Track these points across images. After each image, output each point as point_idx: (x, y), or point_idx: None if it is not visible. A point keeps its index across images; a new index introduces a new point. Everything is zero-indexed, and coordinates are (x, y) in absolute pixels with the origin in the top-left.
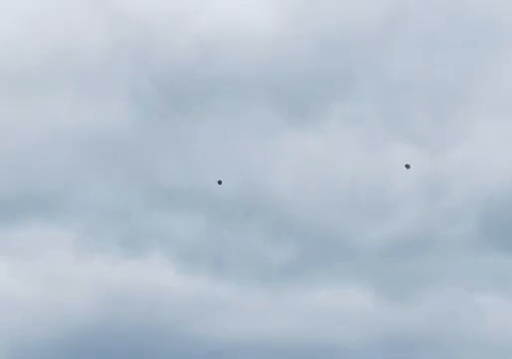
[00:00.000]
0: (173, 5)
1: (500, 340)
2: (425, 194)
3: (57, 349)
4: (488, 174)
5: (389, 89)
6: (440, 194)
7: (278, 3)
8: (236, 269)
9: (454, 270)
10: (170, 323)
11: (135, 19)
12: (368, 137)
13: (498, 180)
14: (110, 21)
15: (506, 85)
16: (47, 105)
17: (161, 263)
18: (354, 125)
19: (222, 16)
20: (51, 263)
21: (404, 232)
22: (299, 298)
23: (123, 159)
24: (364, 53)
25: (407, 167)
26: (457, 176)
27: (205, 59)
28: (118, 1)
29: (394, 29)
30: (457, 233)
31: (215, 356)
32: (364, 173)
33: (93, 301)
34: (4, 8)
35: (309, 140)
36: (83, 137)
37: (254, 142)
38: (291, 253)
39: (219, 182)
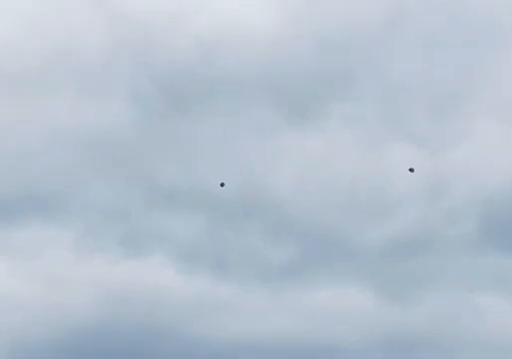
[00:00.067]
0: (173, 5)
1: (500, 340)
2: (425, 194)
3: (57, 349)
4: (488, 174)
5: (389, 89)
6: (440, 194)
7: (278, 3)
8: (236, 269)
9: (454, 270)
10: (170, 323)
11: (135, 19)
12: (368, 137)
13: (498, 180)
14: (110, 21)
15: (506, 85)
16: (47, 105)
17: (161, 263)
18: (354, 125)
19: (222, 16)
20: (51, 263)
21: (404, 232)
22: (299, 298)
23: (123, 159)
24: (364, 53)
25: (411, 170)
26: (457, 176)
27: (205, 59)
28: (118, 1)
29: (394, 29)
30: (457, 233)
31: (215, 356)
32: (364, 173)
33: (93, 301)
34: (4, 8)
35: (309, 140)
36: (83, 137)
37: (254, 142)
38: (291, 253)
39: (222, 185)
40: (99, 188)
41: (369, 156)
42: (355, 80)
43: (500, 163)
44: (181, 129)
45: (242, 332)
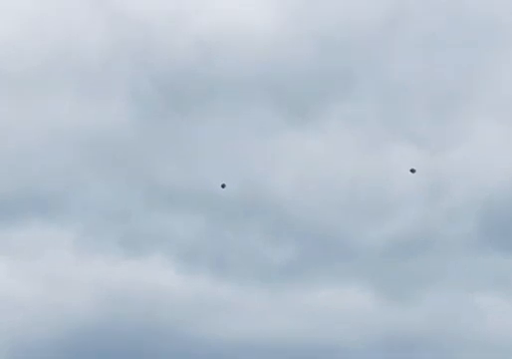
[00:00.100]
0: (173, 5)
1: (500, 340)
2: (425, 194)
3: (57, 349)
4: (488, 174)
5: (389, 89)
6: (440, 194)
7: (278, 3)
8: (236, 269)
9: (454, 270)
10: (170, 323)
11: (135, 19)
12: (368, 137)
13: (498, 180)
14: (110, 21)
15: (506, 85)
16: (47, 105)
17: (161, 263)
18: (354, 125)
19: (222, 16)
20: (51, 263)
21: (404, 232)
22: (299, 298)
23: (123, 159)
24: (364, 53)
25: (413, 171)
26: (457, 176)
27: (205, 59)
28: (118, 1)
29: (394, 29)
30: (457, 233)
31: (215, 356)
32: (364, 173)
33: (93, 301)
34: (4, 8)
35: (309, 140)
36: (83, 137)
37: (254, 142)
38: (291, 253)
39: (223, 186)
40: (99, 189)
41: (369, 156)
42: (355, 80)
43: (500, 163)
44: (181, 129)
45: (242, 332)
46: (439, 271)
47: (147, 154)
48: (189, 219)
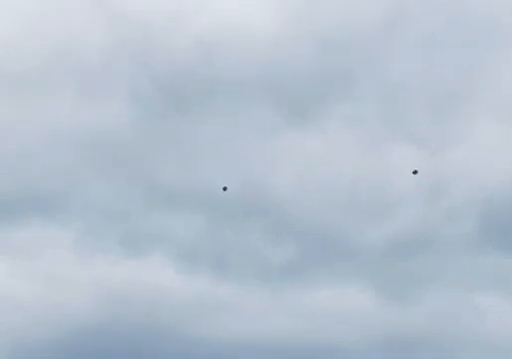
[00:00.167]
0: (173, 5)
1: (500, 340)
2: (425, 194)
3: (57, 349)
4: (488, 174)
5: (389, 89)
6: (440, 194)
7: (278, 3)
8: (236, 269)
9: (454, 270)
10: (170, 323)
11: (135, 19)
12: (368, 137)
13: (498, 180)
14: (110, 21)
15: (506, 85)
16: (47, 105)
17: (161, 263)
18: (354, 125)
19: (222, 16)
20: (51, 263)
21: (404, 232)
22: (299, 298)
23: (123, 159)
24: (364, 53)
25: (415, 172)
26: (457, 176)
27: (205, 59)
28: (118, 1)
29: (394, 29)
30: (457, 233)
31: (215, 356)
32: (364, 173)
33: (93, 301)
34: (4, 8)
35: (309, 140)
36: (83, 137)
37: (254, 142)
38: (291, 253)
39: (224, 189)
40: (99, 189)
41: (369, 156)
42: (355, 80)
43: (500, 163)
44: (181, 129)
45: (242, 332)
46: (439, 271)
47: (147, 154)
48: (189, 219)
